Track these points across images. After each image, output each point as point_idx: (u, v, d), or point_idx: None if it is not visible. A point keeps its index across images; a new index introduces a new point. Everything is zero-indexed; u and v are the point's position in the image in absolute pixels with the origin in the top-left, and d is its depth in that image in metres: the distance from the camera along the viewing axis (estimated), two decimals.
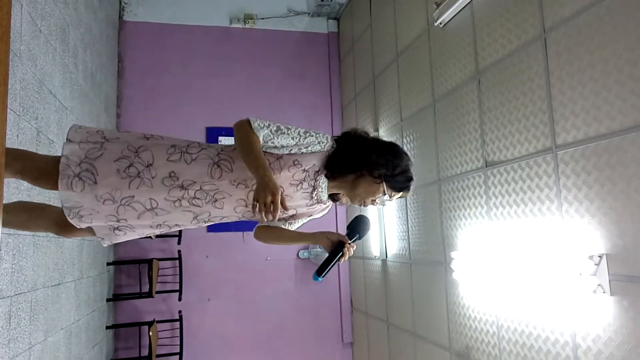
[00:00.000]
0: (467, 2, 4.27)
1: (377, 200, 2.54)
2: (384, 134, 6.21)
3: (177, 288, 6.90)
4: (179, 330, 6.78)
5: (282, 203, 2.20)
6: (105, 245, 2.62)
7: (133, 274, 6.97)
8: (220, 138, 7.35)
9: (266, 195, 2.15)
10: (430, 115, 4.99)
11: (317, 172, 2.48)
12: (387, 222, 6.12)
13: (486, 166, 4.05)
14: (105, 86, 6.44)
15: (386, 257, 6.14)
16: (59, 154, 2.38)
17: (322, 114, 7.94)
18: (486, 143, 4.05)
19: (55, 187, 2.31)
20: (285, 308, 7.37)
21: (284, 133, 2.39)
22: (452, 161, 4.57)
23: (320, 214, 2.72)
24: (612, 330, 2.86)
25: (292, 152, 2.44)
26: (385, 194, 2.52)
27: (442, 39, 4.77)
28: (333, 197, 2.65)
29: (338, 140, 2.56)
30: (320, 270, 2.41)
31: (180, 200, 2.38)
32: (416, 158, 5.34)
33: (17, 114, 3.50)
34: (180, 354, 6.67)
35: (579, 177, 3.09)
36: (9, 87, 3.14)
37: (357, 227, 2.52)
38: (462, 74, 4.41)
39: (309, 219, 2.72)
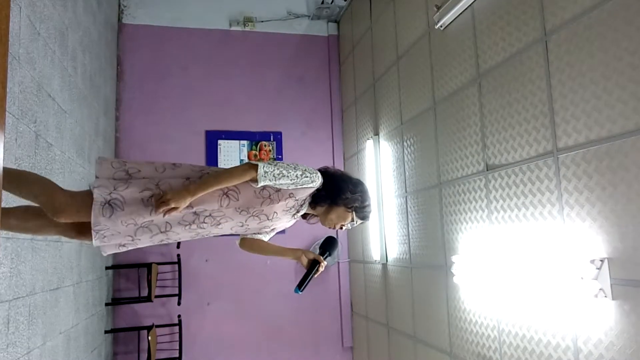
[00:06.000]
0: (468, 4, 4.25)
1: (344, 225, 3.09)
2: (384, 137, 6.20)
3: (177, 292, 6.89)
4: (178, 334, 6.77)
5: (169, 210, 2.68)
6: (105, 255, 2.99)
7: (132, 278, 6.96)
8: (219, 142, 7.35)
9: (172, 200, 2.65)
10: (430, 118, 4.98)
11: (305, 200, 3.00)
12: (387, 225, 6.11)
13: (487, 170, 4.04)
14: (104, 89, 6.43)
15: (386, 261, 6.12)
16: (73, 189, 2.87)
17: (322, 117, 7.92)
18: (487, 146, 4.03)
19: (69, 221, 2.76)
20: (285, 312, 7.35)
21: (285, 176, 2.82)
22: (452, 165, 4.55)
23: (289, 225, 3.20)
24: (614, 334, 2.84)
25: (289, 187, 2.88)
26: (352, 221, 3.08)
27: (442, 42, 4.76)
28: (303, 215, 3.18)
29: (322, 174, 3.03)
30: (301, 284, 2.97)
31: (191, 225, 2.84)
32: (417, 161, 5.33)
33: (15, 118, 3.49)
34: (180, 358, 6.66)
35: (580, 180, 3.07)
36: (8, 90, 3.13)
37: (327, 246, 3.14)
38: (462, 77, 4.39)
39: (282, 228, 3.21)
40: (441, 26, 4.67)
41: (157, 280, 6.77)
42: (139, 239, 2.84)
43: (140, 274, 6.89)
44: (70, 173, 4.79)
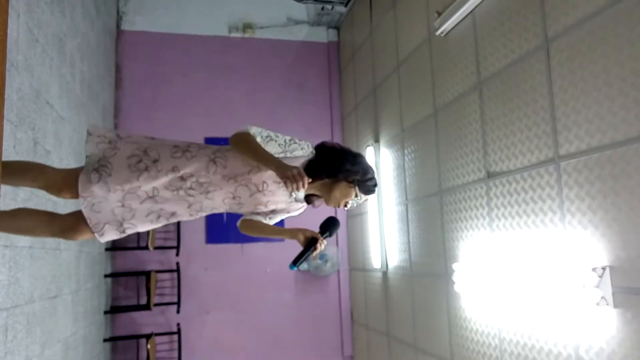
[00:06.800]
0: (469, 11, 4.25)
1: (348, 203, 2.97)
2: (385, 145, 6.19)
3: (176, 300, 6.87)
4: (177, 343, 6.75)
5: (301, 173, 2.56)
6: (102, 242, 2.98)
7: (131, 286, 6.94)
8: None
9: (289, 171, 2.55)
10: (431, 125, 4.96)
11: None
12: (387, 233, 6.09)
13: (488, 177, 4.02)
14: (102, 96, 6.42)
15: (387, 269, 6.10)
16: (74, 167, 2.91)
17: (322, 124, 7.92)
18: (488, 154, 4.02)
19: (74, 196, 2.77)
20: (285, 321, 7.33)
21: (273, 140, 2.83)
22: (453, 172, 4.54)
23: (296, 212, 3.13)
24: (616, 342, 2.83)
25: (278, 154, 2.80)
26: (356, 196, 2.94)
27: (443, 49, 4.75)
28: (308, 200, 3.07)
29: (317, 148, 2.99)
30: (296, 260, 2.88)
31: (178, 190, 2.79)
32: (417, 169, 5.31)
33: (13, 125, 3.47)
34: None
35: (582, 188, 3.05)
36: (6, 97, 3.11)
37: (328, 226, 2.99)
38: (463, 83, 4.38)
39: (287, 215, 3.12)
40: (442, 32, 4.66)
41: (156, 288, 6.75)
42: (130, 204, 2.79)
43: (139, 282, 6.87)
44: None
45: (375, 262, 6.34)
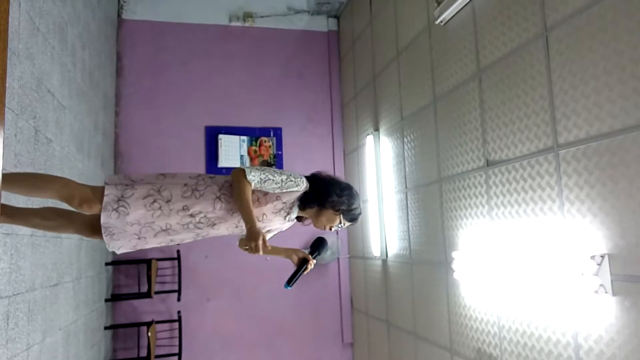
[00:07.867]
0: (468, 0, 4.24)
1: (333, 226, 3.34)
2: (384, 133, 6.19)
3: (176, 288, 6.87)
4: (177, 330, 6.76)
5: (264, 244, 2.98)
6: (118, 253, 3.26)
7: (132, 274, 6.95)
8: (220, 136, 7.32)
9: (252, 242, 2.94)
10: (431, 114, 4.97)
11: (293, 203, 3.25)
12: (387, 221, 6.11)
13: (487, 165, 4.03)
14: (103, 85, 6.41)
15: (387, 257, 6.12)
16: (94, 184, 3.20)
17: (322, 112, 7.91)
18: (487, 142, 4.03)
19: (92, 212, 3.05)
20: (285, 308, 7.35)
21: (270, 180, 3.12)
22: (453, 160, 4.55)
23: (286, 228, 3.49)
24: (614, 330, 2.84)
25: (275, 190, 3.16)
26: (341, 223, 3.32)
27: (443, 37, 4.75)
28: (299, 219, 3.44)
29: (310, 179, 3.32)
30: (290, 280, 3.30)
31: (188, 225, 3.12)
32: (417, 157, 5.32)
33: (15, 113, 3.48)
34: (179, 354, 6.65)
35: (580, 176, 3.07)
36: (7, 86, 3.12)
37: (317, 246, 3.44)
38: (463, 72, 4.38)
39: (278, 231, 3.51)
40: (441, 21, 4.66)
41: (156, 276, 6.76)
42: (145, 237, 3.11)
43: (139, 270, 6.88)
44: (69, 169, 4.78)
45: (375, 250, 6.36)
